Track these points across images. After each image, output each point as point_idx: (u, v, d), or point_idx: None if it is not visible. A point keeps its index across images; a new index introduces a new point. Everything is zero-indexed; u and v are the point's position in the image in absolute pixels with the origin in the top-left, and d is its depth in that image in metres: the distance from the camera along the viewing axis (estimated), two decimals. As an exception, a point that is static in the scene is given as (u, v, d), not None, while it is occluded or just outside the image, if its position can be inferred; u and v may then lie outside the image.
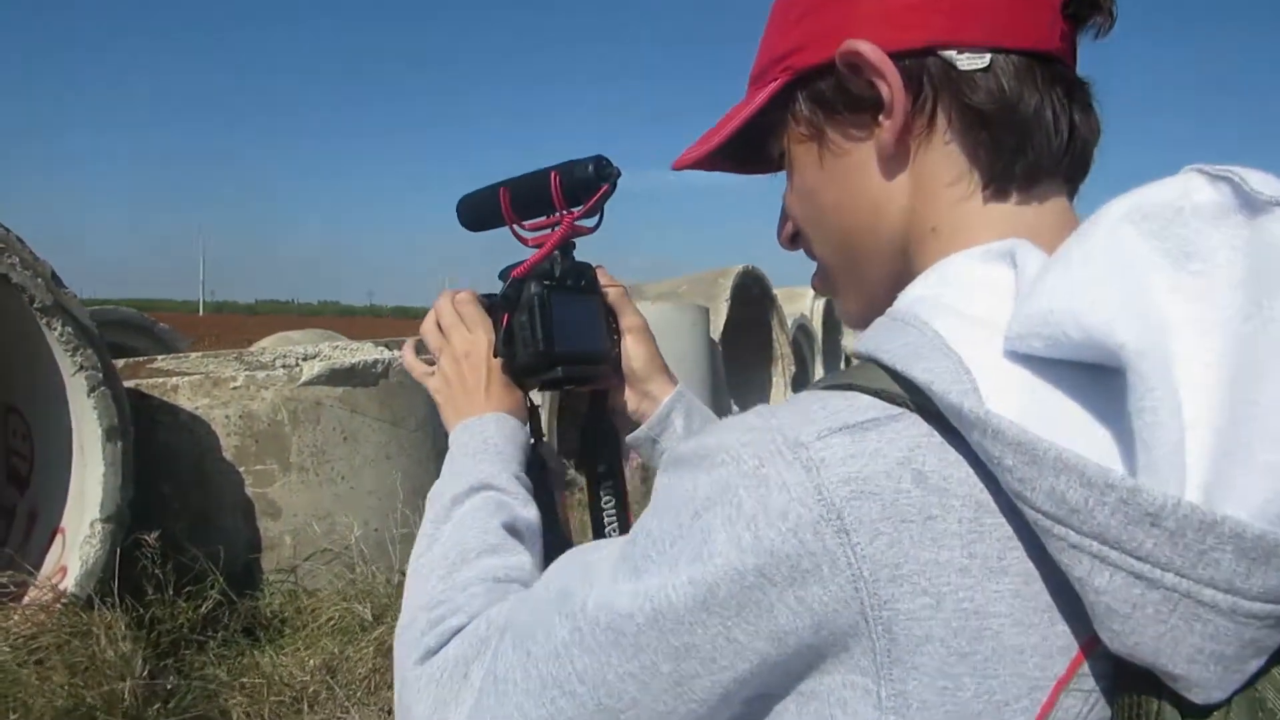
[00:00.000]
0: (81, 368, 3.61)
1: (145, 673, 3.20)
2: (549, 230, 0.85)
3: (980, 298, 0.49)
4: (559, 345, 0.84)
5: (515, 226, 0.87)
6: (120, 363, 4.60)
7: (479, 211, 0.90)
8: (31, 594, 3.63)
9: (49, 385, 3.73)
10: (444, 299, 0.90)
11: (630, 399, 0.92)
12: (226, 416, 4.14)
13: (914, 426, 0.46)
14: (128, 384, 4.08)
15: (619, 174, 0.82)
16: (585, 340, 0.87)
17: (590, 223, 0.87)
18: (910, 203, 0.55)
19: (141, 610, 3.60)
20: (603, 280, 0.91)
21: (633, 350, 0.91)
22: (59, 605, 3.56)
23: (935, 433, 0.46)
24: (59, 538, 3.80)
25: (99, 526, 3.66)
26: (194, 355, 4.78)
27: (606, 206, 0.85)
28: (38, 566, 3.81)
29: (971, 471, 0.45)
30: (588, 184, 0.82)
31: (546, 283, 0.85)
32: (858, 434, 0.46)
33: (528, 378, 0.88)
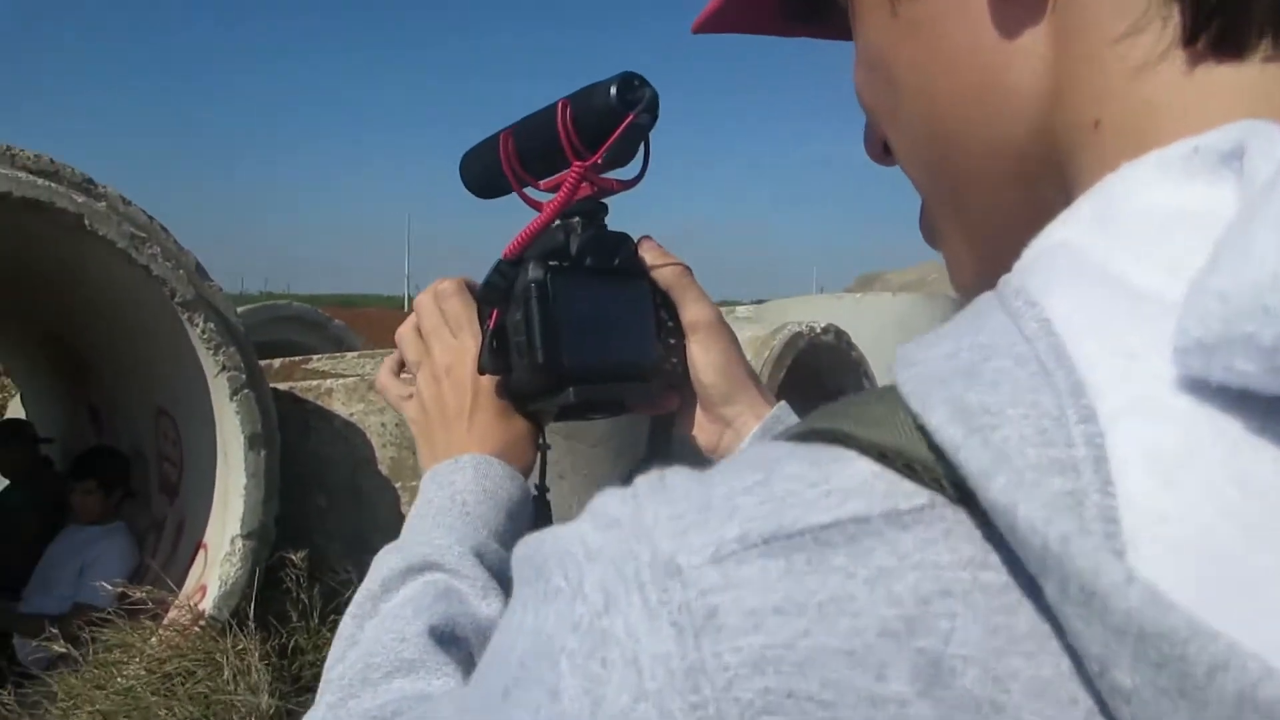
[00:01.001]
0: (224, 368, 3.49)
1: (273, 711, 2.98)
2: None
3: (1167, 249, 0.33)
4: (570, 355, 0.74)
5: (523, 187, 0.77)
6: (276, 363, 4.54)
7: (483, 170, 0.80)
8: (172, 614, 3.52)
9: (195, 387, 3.65)
10: (426, 293, 0.81)
11: (703, 429, 0.81)
12: (383, 424, 3.95)
13: (942, 542, 0.31)
14: (281, 386, 3.97)
15: (654, 96, 0.72)
16: (617, 346, 0.76)
17: (624, 173, 0.76)
18: (1050, 74, 0.40)
19: (284, 637, 3.41)
20: (651, 257, 0.79)
21: (701, 358, 0.79)
22: (197, 628, 3.43)
23: (989, 550, 0.31)
24: (201, 553, 3.71)
25: (239, 543, 3.53)
26: (350, 355, 4.68)
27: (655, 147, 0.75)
28: (182, 582, 3.71)
29: (1063, 660, 0.30)
30: (610, 114, 0.72)
31: (554, 263, 0.74)
32: (809, 555, 0.31)
33: (529, 403, 0.78)
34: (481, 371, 0.77)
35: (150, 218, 3.44)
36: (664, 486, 0.36)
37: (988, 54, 0.41)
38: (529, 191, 0.79)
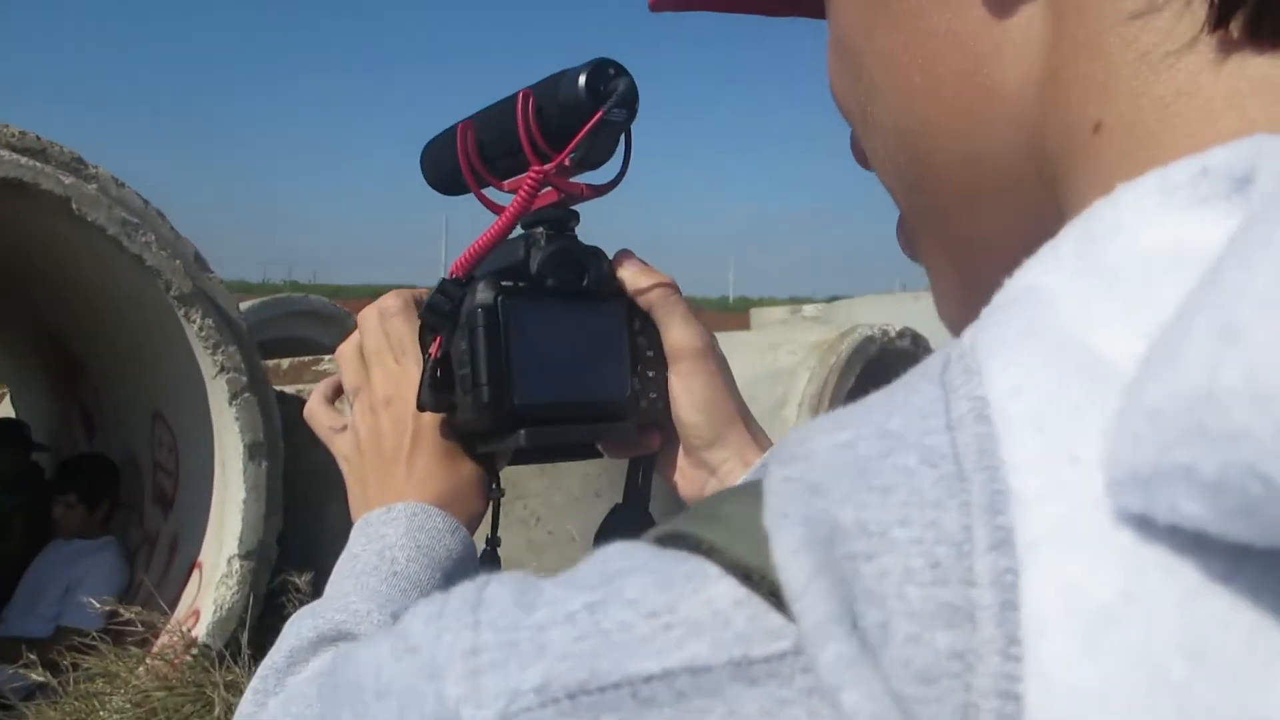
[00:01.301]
0: (223, 369, 3.56)
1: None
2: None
3: (1152, 309, 0.29)
4: (522, 393, 0.73)
5: (482, 187, 0.77)
6: (285, 363, 4.59)
7: (444, 163, 0.79)
8: (162, 640, 3.59)
9: (193, 389, 3.71)
10: (371, 309, 0.80)
11: (684, 475, 0.79)
12: (398, 434, 3.97)
13: (799, 704, 0.28)
14: (290, 388, 4.02)
15: (629, 88, 0.71)
16: (582, 380, 0.76)
17: (599, 177, 0.76)
18: (1044, 65, 0.37)
19: (283, 670, 3.45)
20: (630, 276, 0.78)
21: (682, 392, 0.78)
22: (188, 657, 3.49)
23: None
24: (196, 573, 3.78)
25: (236, 564, 3.59)
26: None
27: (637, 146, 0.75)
28: (175, 604, 3.78)
29: None
30: (577, 109, 0.71)
31: (508, 284, 0.74)
32: (621, 718, 0.29)
33: (478, 444, 0.77)
34: (421, 408, 0.75)
35: (146, 202, 3.51)
36: (479, 601, 0.34)
37: (971, 38, 0.38)
38: (490, 193, 0.78)
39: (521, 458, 0.78)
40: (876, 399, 0.33)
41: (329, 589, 0.72)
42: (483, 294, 0.73)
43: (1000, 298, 0.34)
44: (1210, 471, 0.24)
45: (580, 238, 0.79)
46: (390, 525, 0.73)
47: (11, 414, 5.77)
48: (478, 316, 0.73)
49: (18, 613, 4.12)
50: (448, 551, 0.74)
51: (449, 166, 0.78)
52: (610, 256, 0.79)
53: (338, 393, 0.84)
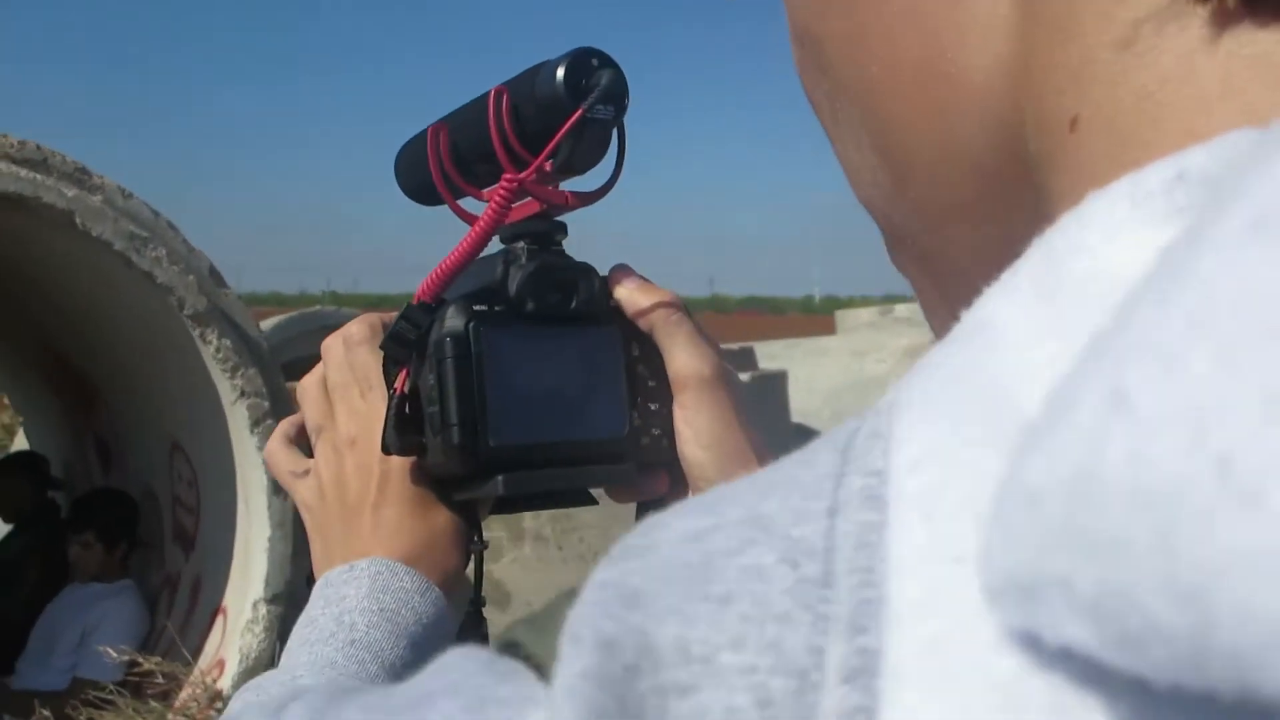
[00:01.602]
0: (243, 394, 3.65)
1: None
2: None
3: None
4: (497, 433, 0.73)
5: (456, 197, 0.77)
6: (314, 386, 4.68)
7: (417, 171, 0.79)
8: (185, 693, 3.69)
9: (211, 417, 3.81)
10: (335, 337, 0.80)
11: None
12: (437, 461, 4.06)
13: None
14: (317, 415, 4.10)
15: (614, 80, 0.71)
16: (571, 417, 0.75)
17: (589, 183, 0.76)
18: (1013, 47, 0.35)
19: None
20: (626, 294, 0.78)
21: (685, 427, 0.76)
22: (212, 712, 3.59)
23: None
24: (220, 619, 3.87)
25: (263, 609, 3.69)
26: (400, 376, 4.80)
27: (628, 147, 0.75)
28: (199, 652, 3.89)
29: None
30: (555, 106, 0.70)
31: (481, 308, 0.73)
32: None
33: (453, 491, 0.77)
34: (385, 450, 0.75)
35: (155, 213, 3.62)
36: None
37: (931, 17, 0.36)
38: (469, 204, 0.78)
39: (504, 506, 0.78)
40: (767, 472, 0.30)
41: (284, 658, 0.72)
42: (452, 320, 0.73)
43: (951, 334, 0.31)
44: (1086, 590, 0.21)
45: (570, 252, 0.78)
46: (351, 585, 0.73)
47: (25, 446, 5.98)
48: (446, 346, 0.72)
49: (31, 663, 4.27)
50: (416, 616, 0.73)
51: (423, 173, 0.78)
52: (604, 273, 0.79)
53: (301, 432, 0.84)
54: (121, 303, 3.82)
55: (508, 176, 0.72)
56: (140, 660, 3.59)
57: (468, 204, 0.78)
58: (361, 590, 0.73)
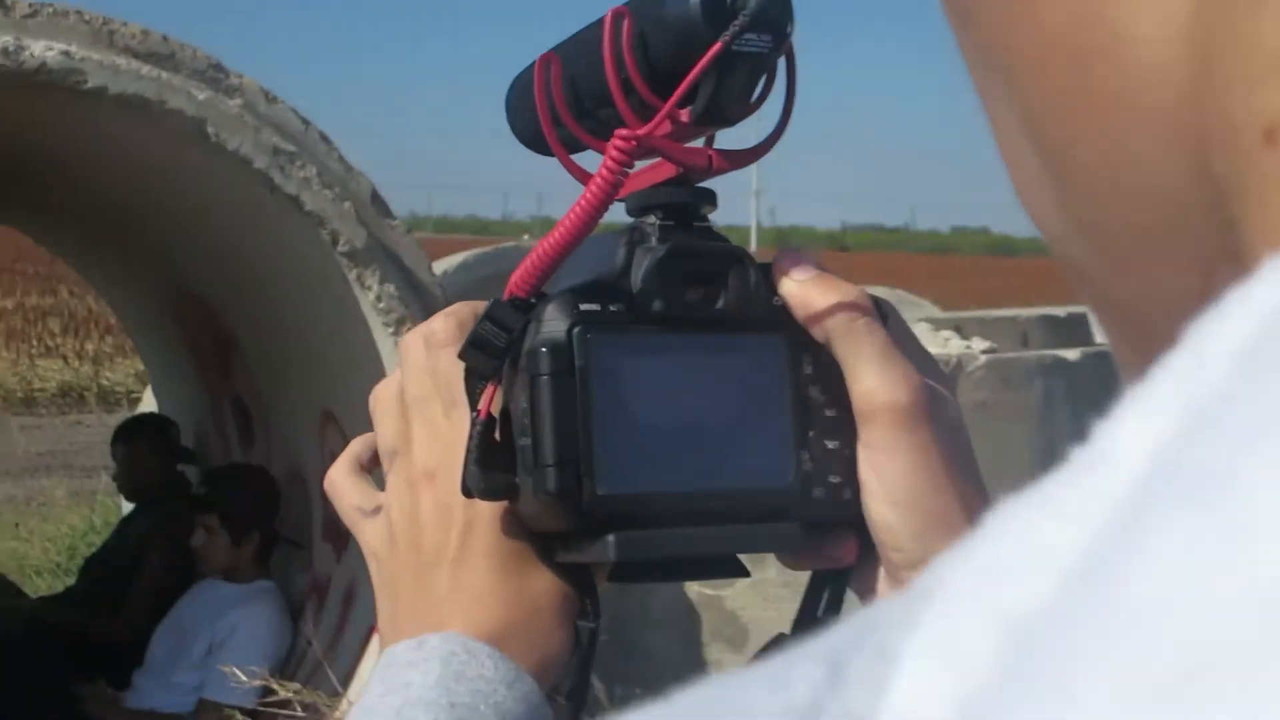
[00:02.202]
0: (408, 355, 3.67)
1: None
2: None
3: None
4: (609, 477, 0.74)
5: (570, 151, 0.79)
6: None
7: (528, 112, 0.81)
8: (334, 729, 3.78)
9: (372, 381, 3.85)
10: (416, 334, 0.82)
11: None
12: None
13: None
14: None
15: (768, 4, 0.71)
16: (707, 458, 0.77)
17: (740, 134, 0.79)
18: (1193, 17, 0.34)
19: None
20: (797, 290, 0.79)
21: (874, 474, 0.77)
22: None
23: None
24: (376, 639, 3.92)
25: (426, 628, 3.71)
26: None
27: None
28: (349, 678, 3.98)
29: None
30: (689, 36, 0.71)
31: (590, 307, 0.75)
32: None
33: (556, 549, 0.78)
34: (466, 492, 0.76)
35: (305, 122, 3.69)
36: None
37: (1096, 15, 0.36)
38: (589, 161, 0.78)
39: (625, 574, 0.77)
40: (723, 684, 0.32)
41: None
42: (550, 324, 0.74)
43: (1053, 479, 0.30)
44: None
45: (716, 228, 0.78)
46: (418, 669, 0.74)
47: (154, 407, 6.26)
48: (541, 359, 0.73)
49: (152, 677, 4.45)
50: (499, 716, 0.74)
51: (533, 117, 0.79)
52: (760, 260, 0.78)
53: (375, 458, 0.86)
54: (263, 235, 3.91)
55: (622, 133, 0.72)
56: (276, 687, 3.69)
57: (589, 161, 0.79)
58: (430, 677, 0.74)
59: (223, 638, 4.32)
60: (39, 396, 16.05)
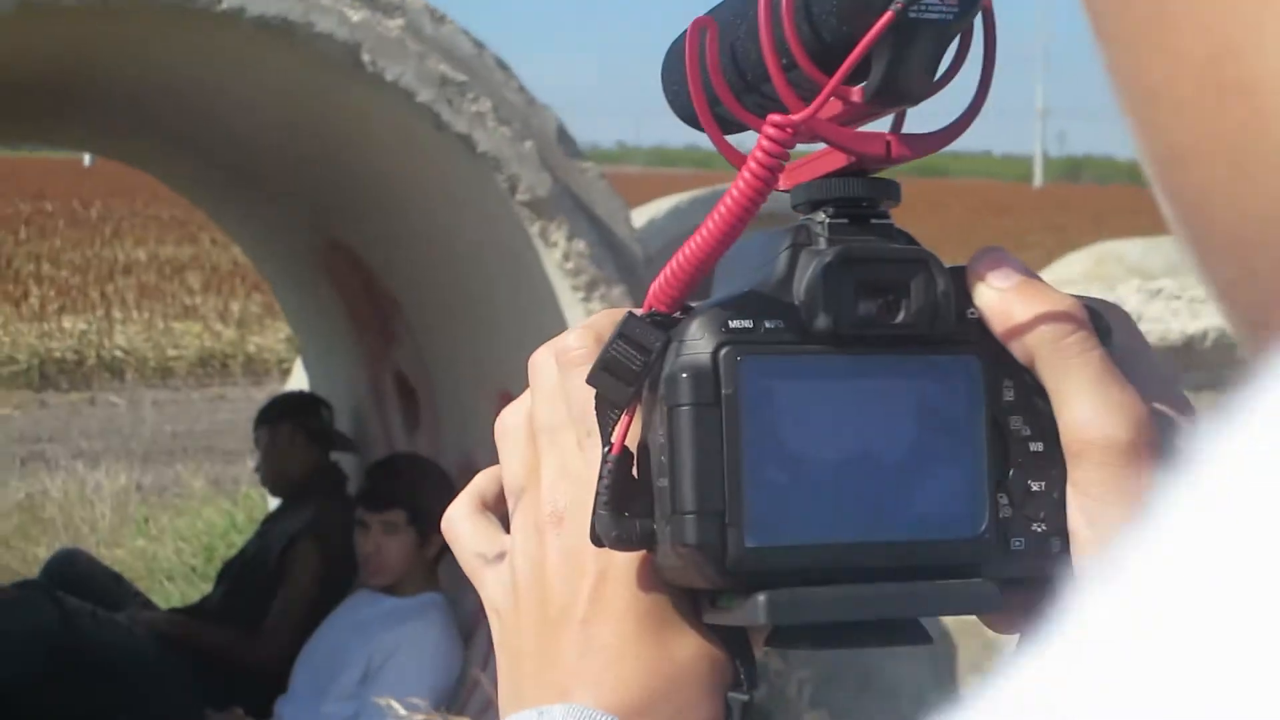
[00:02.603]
0: (601, 326, 3.64)
1: None
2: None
3: None
4: (758, 528, 0.76)
5: (726, 131, 0.82)
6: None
7: (682, 85, 0.84)
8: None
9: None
10: (546, 352, 0.86)
11: None
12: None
13: None
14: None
15: None
16: (879, 506, 0.79)
17: (924, 115, 0.83)
18: None
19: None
20: (994, 301, 0.80)
21: (1090, 526, 0.78)
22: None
23: None
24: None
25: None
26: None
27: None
28: None
29: None
30: (857, 5, 0.73)
31: (741, 324, 0.77)
32: None
33: (707, 609, 0.81)
34: (595, 540, 0.78)
35: (479, 46, 3.67)
36: None
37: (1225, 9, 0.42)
38: (727, 131, 0.81)
39: (786, 638, 0.79)
40: None
41: None
42: (694, 344, 0.75)
43: None
44: None
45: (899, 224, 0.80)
46: None
47: (305, 383, 6.33)
48: (681, 386, 0.75)
49: (298, 704, 4.50)
50: None
51: (685, 89, 0.81)
52: (948, 265, 0.80)
53: (501, 496, 0.89)
54: (428, 181, 3.91)
55: (775, 119, 0.74)
56: (441, 722, 3.69)
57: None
58: None
59: (382, 661, 4.33)
60: (174, 366, 16.36)
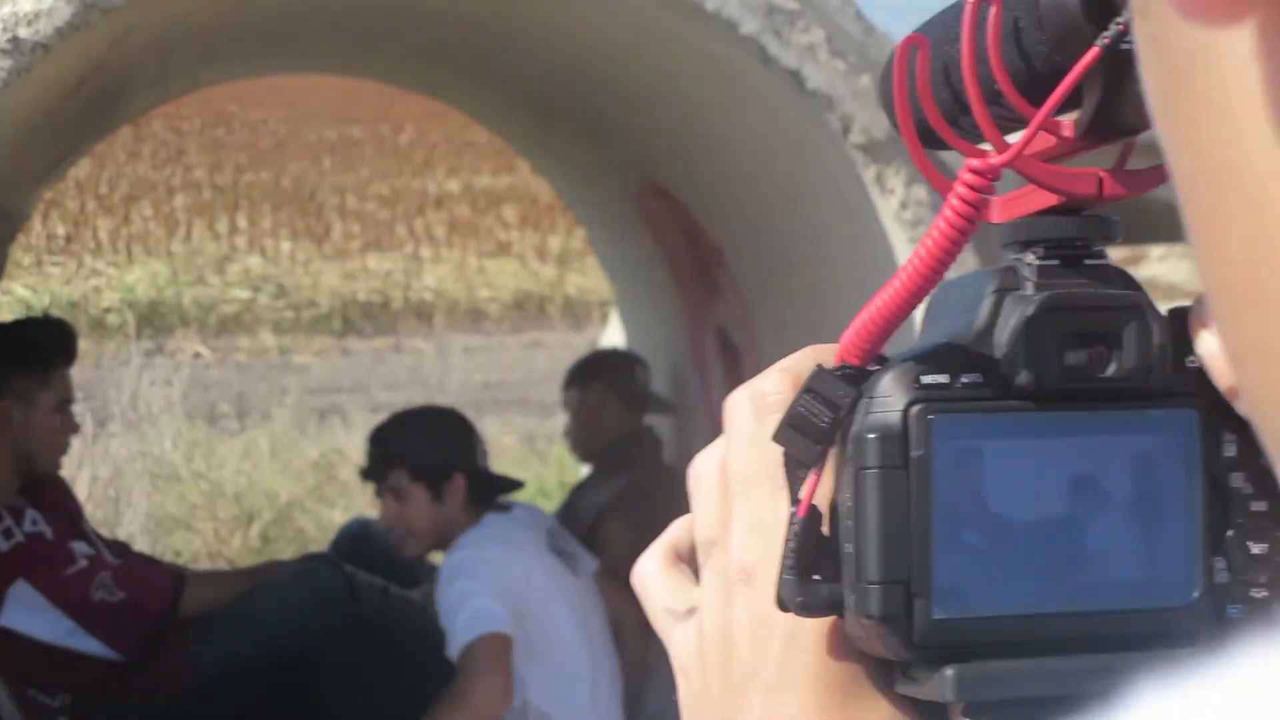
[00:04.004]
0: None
1: None
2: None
3: None
4: (948, 599, 0.79)
5: (934, 153, 0.84)
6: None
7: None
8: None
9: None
10: (742, 395, 0.88)
11: None
12: None
13: None
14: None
15: None
16: (1082, 574, 0.82)
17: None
18: None
19: None
20: (1216, 346, 0.78)
21: None
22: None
23: None
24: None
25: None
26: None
27: None
28: None
29: None
30: (1068, 32, 0.75)
31: (938, 380, 0.79)
32: None
33: (900, 679, 0.82)
34: (780, 605, 0.80)
35: (810, -33, 3.66)
36: None
37: (1234, 99, 0.47)
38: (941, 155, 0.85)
39: (982, 711, 0.80)
40: None
41: None
42: (884, 402, 0.77)
43: None
44: None
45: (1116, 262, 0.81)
46: None
47: (619, 341, 6.41)
48: (868, 448, 0.77)
49: (584, 700, 4.57)
50: None
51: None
52: (1168, 310, 0.81)
53: (690, 548, 0.91)
54: (753, 120, 3.93)
55: (973, 165, 0.76)
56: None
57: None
58: None
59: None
60: (487, 309, 16.56)
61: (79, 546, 4.79)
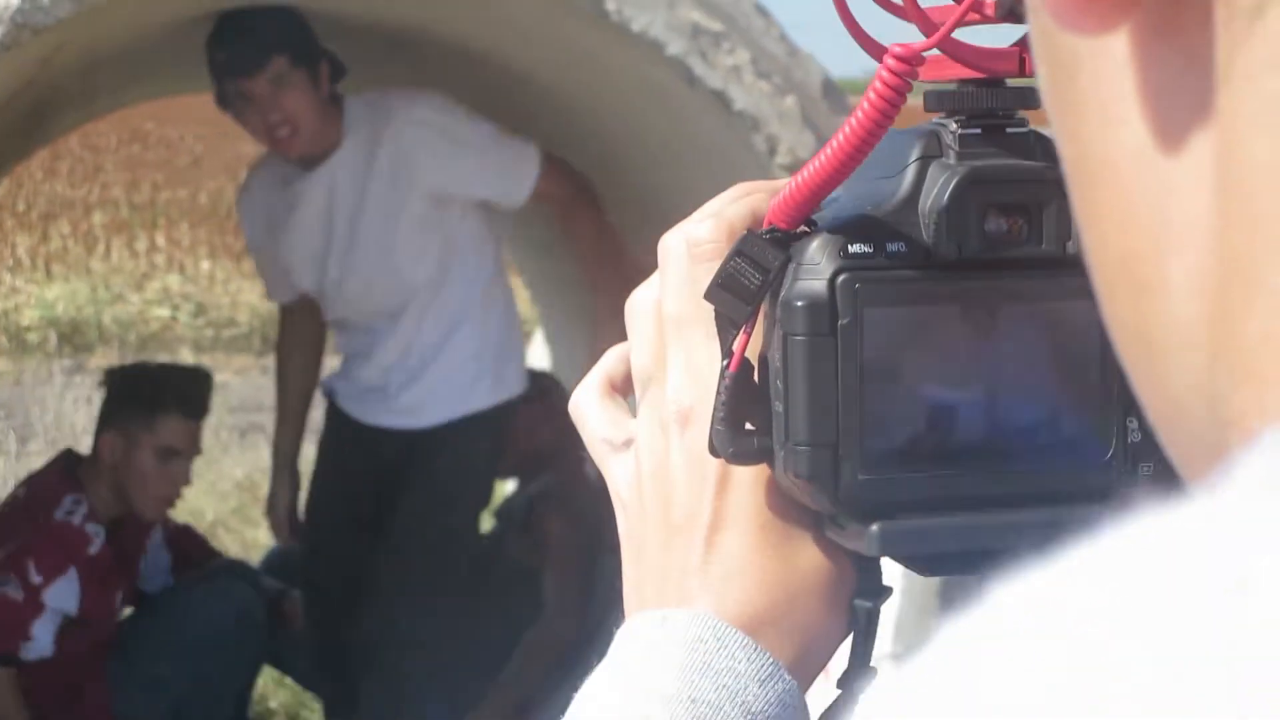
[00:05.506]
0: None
1: None
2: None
3: None
4: (872, 460, 0.82)
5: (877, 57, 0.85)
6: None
7: None
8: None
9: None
10: (677, 235, 0.89)
11: None
12: None
13: None
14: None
15: None
16: (1000, 437, 0.83)
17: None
18: (1210, 266, 0.49)
19: None
20: None
21: None
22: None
23: None
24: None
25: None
26: None
27: None
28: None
29: None
30: None
31: (861, 248, 0.81)
32: None
33: (828, 525, 0.85)
34: (712, 452, 0.82)
35: (736, -11, 3.68)
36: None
37: (1134, 204, 0.49)
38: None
39: (913, 563, 0.84)
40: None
41: None
42: (810, 269, 0.79)
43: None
44: None
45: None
46: (657, 653, 0.82)
47: (545, 362, 6.40)
48: (796, 315, 0.78)
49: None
50: (748, 718, 0.80)
51: None
52: None
53: (628, 379, 0.92)
54: (678, 140, 3.96)
55: (896, 52, 0.76)
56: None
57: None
58: (670, 664, 0.81)
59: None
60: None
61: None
